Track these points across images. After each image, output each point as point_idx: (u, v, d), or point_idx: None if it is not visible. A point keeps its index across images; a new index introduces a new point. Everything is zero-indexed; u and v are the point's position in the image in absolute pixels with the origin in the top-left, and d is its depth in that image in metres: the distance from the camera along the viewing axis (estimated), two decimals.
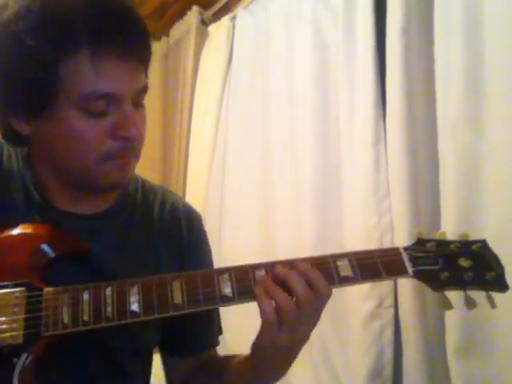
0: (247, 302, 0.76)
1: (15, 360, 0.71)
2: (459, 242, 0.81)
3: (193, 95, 2.56)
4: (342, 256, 0.79)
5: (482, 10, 1.25)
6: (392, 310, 1.47)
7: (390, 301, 1.47)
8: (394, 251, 0.80)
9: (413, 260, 0.79)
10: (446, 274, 0.78)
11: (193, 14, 2.64)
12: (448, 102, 1.30)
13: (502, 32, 1.20)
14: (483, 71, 1.24)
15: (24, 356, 0.72)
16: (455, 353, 1.26)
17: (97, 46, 0.72)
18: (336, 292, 0.77)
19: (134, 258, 0.88)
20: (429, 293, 0.80)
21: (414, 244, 0.82)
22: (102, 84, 0.74)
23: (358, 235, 1.54)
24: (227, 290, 0.76)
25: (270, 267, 0.77)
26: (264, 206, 1.97)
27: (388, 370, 1.46)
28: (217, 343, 1.00)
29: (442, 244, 0.81)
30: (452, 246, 0.81)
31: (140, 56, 0.78)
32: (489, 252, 0.81)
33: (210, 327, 0.98)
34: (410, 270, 0.79)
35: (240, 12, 2.33)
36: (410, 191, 1.42)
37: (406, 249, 0.81)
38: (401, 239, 1.43)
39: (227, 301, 0.76)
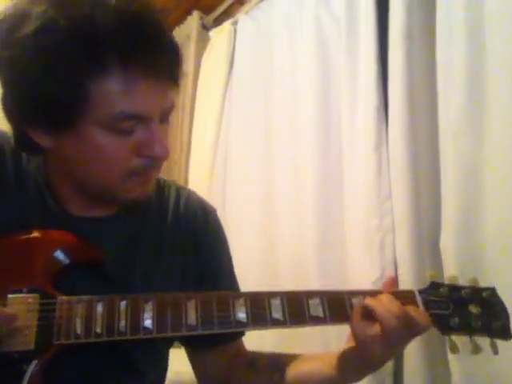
0: (261, 328, 0.77)
1: (25, 367, 0.71)
2: (470, 288, 0.84)
3: (194, 100, 2.55)
4: (356, 294, 0.80)
5: (484, 16, 1.27)
6: None
7: None
8: (409, 294, 0.82)
9: (426, 304, 0.81)
10: (456, 319, 0.80)
11: (194, 19, 2.65)
12: (449, 106, 1.32)
13: (503, 37, 1.22)
14: (484, 76, 1.27)
15: (34, 363, 0.71)
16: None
17: (127, 66, 0.69)
18: None
19: (147, 258, 0.88)
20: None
21: (428, 287, 0.84)
22: (132, 104, 0.71)
23: (359, 237, 1.55)
24: (242, 316, 0.76)
25: (286, 295, 0.78)
26: (266, 210, 1.97)
27: (389, 368, 1.46)
28: (242, 334, 0.98)
29: (454, 289, 0.83)
30: (463, 292, 0.83)
31: (170, 75, 0.75)
32: (497, 300, 0.83)
33: None
34: None
35: (241, 17, 2.35)
36: (411, 193, 1.44)
37: (420, 292, 0.82)
38: (402, 241, 1.45)
39: (241, 326, 0.77)
